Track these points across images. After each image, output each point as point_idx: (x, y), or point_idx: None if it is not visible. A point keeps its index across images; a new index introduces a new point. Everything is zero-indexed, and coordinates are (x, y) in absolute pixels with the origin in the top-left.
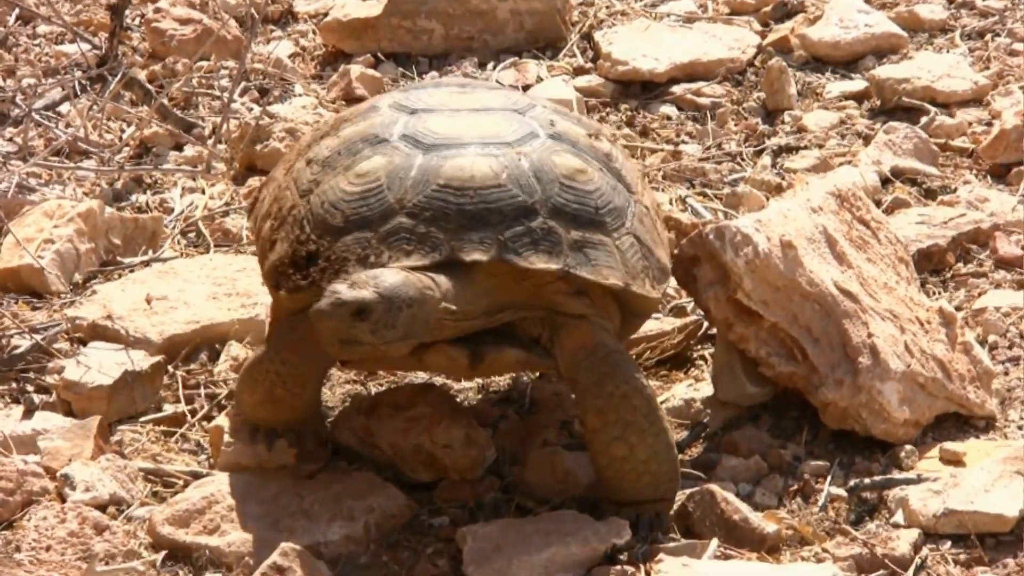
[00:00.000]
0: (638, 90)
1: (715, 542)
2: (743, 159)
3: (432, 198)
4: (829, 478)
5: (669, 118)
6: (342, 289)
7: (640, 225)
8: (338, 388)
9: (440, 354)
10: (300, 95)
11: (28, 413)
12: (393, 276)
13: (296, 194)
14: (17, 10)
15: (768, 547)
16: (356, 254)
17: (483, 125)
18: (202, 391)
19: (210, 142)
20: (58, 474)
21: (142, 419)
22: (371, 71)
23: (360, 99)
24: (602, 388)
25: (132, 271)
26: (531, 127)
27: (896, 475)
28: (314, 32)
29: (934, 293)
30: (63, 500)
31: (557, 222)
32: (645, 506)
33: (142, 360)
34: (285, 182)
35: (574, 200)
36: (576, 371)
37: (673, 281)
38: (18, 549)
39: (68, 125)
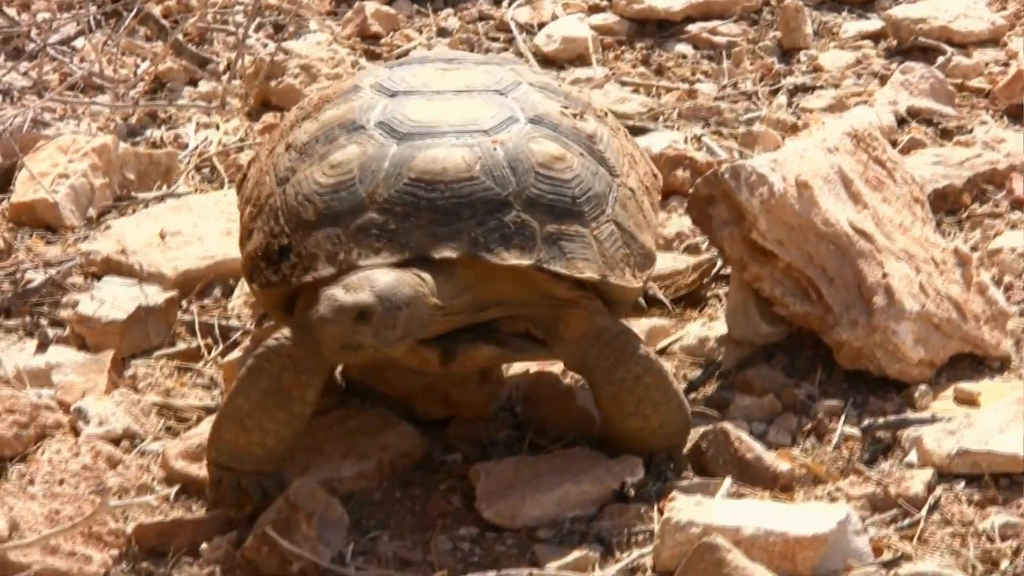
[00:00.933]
0: (654, 28)
1: (728, 480)
2: (758, 98)
3: (403, 192)
4: (843, 417)
5: (684, 57)
6: (339, 294)
7: (622, 211)
8: None
9: (412, 353)
10: (315, 31)
11: (42, 347)
12: (386, 276)
13: (274, 181)
14: None
15: (781, 486)
16: (326, 251)
17: (461, 110)
18: (216, 326)
19: (224, 78)
20: (72, 408)
21: (156, 354)
22: (386, 8)
23: (375, 36)
24: (613, 375)
25: (146, 206)
26: (511, 111)
27: (910, 415)
28: None
29: (949, 233)
30: (76, 434)
31: (532, 215)
32: (657, 451)
33: (156, 295)
34: (267, 165)
35: (550, 190)
36: (584, 360)
37: (688, 220)
38: (32, 482)
39: (83, 60)
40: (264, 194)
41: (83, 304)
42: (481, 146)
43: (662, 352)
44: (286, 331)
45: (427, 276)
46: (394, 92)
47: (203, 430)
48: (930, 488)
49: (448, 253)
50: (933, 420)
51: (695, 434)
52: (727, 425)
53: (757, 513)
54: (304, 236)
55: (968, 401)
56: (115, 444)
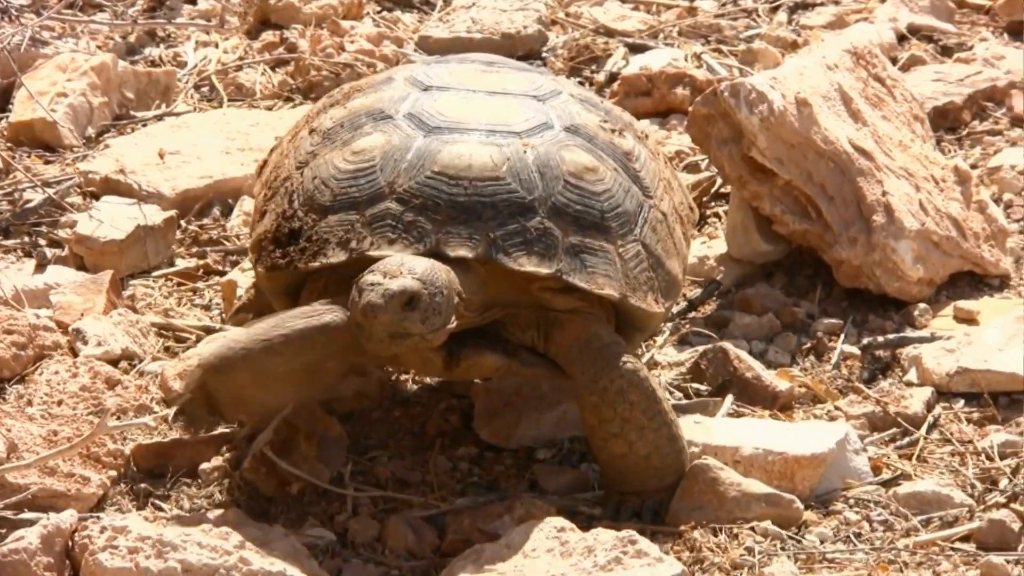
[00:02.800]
0: None
1: (729, 399)
2: (759, 16)
3: (424, 185)
4: (842, 336)
5: None
6: (382, 280)
7: (652, 233)
8: None
9: (415, 354)
10: None
11: (40, 267)
12: (421, 261)
13: (293, 164)
14: None
15: (781, 405)
16: (338, 237)
17: (494, 110)
18: (215, 245)
19: None
20: (70, 328)
21: (154, 274)
22: None
23: None
24: (596, 383)
25: (145, 125)
26: (546, 117)
27: (909, 333)
28: None
29: (949, 151)
30: (75, 354)
31: (556, 223)
32: (649, 496)
33: (155, 214)
34: (287, 149)
35: (578, 201)
36: (570, 366)
37: (688, 138)
38: (30, 403)
39: None
40: (281, 176)
41: (81, 224)
42: (511, 147)
43: None
44: (342, 313)
45: (448, 267)
46: (428, 86)
47: (202, 351)
48: (929, 407)
49: (464, 253)
50: (932, 338)
51: (695, 353)
52: (726, 344)
53: (756, 432)
54: (317, 220)
55: (968, 319)
56: (114, 365)
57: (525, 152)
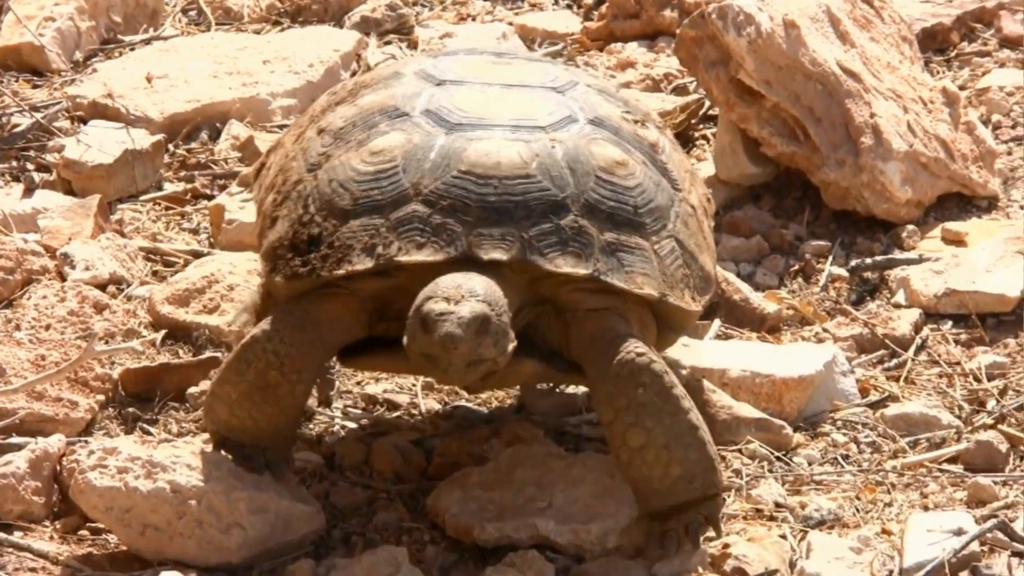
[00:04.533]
0: None
1: (717, 322)
2: None
3: (452, 185)
4: (830, 258)
5: None
6: (451, 308)
7: (684, 228)
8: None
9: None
10: None
11: (28, 191)
12: (478, 281)
13: (304, 167)
14: None
15: (768, 327)
16: (363, 242)
17: (516, 104)
18: (203, 169)
19: None
20: (58, 253)
21: (142, 198)
22: None
23: None
24: (608, 372)
25: (133, 49)
26: (570, 110)
27: (897, 255)
28: None
29: (938, 72)
30: (63, 279)
31: (590, 221)
32: (690, 512)
33: (143, 138)
34: (293, 151)
35: (611, 197)
36: (585, 362)
37: (676, 61)
38: (18, 327)
39: None
40: (292, 180)
41: (69, 148)
42: (539, 143)
43: None
44: (270, 324)
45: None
46: (441, 80)
47: (190, 274)
48: (917, 328)
49: (498, 255)
50: (920, 260)
51: None
52: None
53: (744, 355)
54: (338, 225)
55: (955, 241)
56: (102, 289)
57: (553, 147)
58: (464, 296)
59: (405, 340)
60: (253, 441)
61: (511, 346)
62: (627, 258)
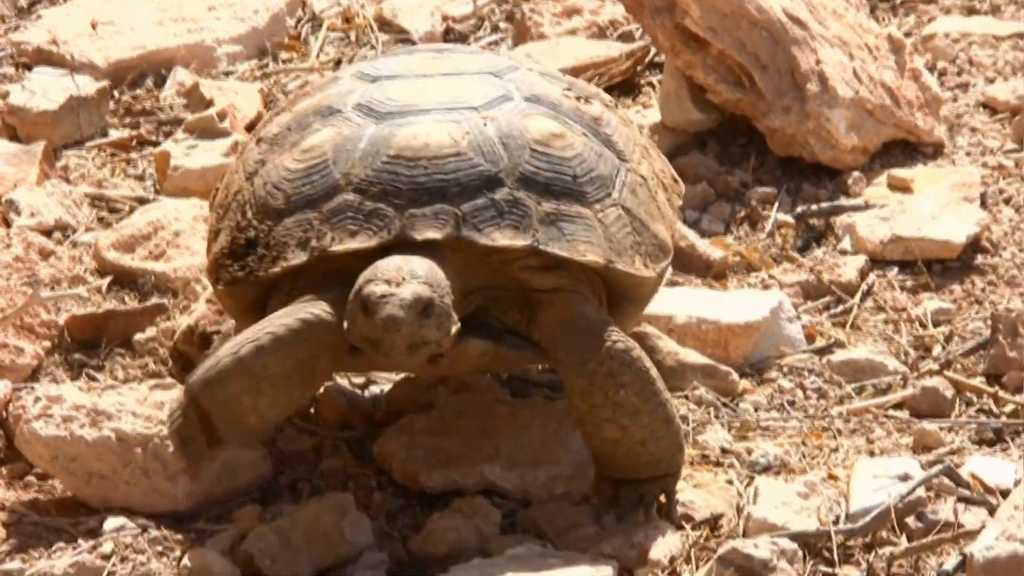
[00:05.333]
0: None
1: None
2: None
3: (381, 171)
4: (776, 204)
5: None
6: (394, 289)
7: (632, 196)
8: None
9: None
10: None
11: None
12: (418, 263)
13: (242, 176)
14: None
15: (715, 273)
16: (296, 238)
17: (449, 89)
18: (149, 116)
19: None
20: (3, 199)
21: (87, 144)
22: None
23: None
24: (584, 366)
25: None
26: (506, 90)
27: (843, 201)
28: None
29: (883, 19)
30: (8, 225)
31: (526, 192)
32: (647, 484)
33: (88, 85)
34: (236, 165)
35: (547, 168)
36: (556, 349)
37: (622, 8)
38: None
39: None
40: (232, 192)
41: (14, 94)
42: (469, 121)
43: None
44: (329, 308)
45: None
46: (376, 78)
47: (135, 220)
48: (863, 275)
49: (432, 234)
50: (866, 207)
51: None
52: None
53: (690, 301)
54: (273, 225)
55: (901, 187)
56: (47, 235)
57: (485, 125)
58: (405, 278)
59: (346, 324)
60: (229, 435)
61: (454, 328)
62: (568, 227)
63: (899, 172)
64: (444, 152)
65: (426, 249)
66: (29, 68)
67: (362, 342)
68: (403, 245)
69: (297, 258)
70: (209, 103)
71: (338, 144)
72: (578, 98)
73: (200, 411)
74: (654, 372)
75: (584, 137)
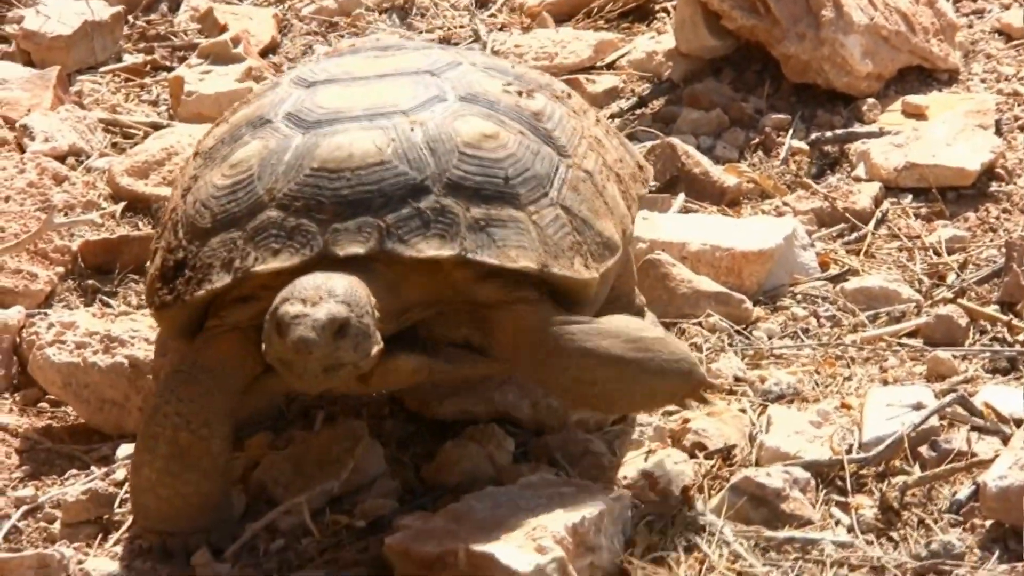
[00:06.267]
0: None
1: (682, 196)
2: None
3: (304, 185)
4: (790, 131)
5: None
6: (307, 310)
7: (572, 194)
8: None
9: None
10: None
11: None
12: (338, 280)
13: (179, 193)
14: None
15: (728, 200)
16: (221, 258)
17: (379, 93)
18: (163, 41)
19: None
20: (17, 124)
21: (102, 69)
22: None
23: None
24: (552, 379)
25: None
26: (439, 89)
27: (858, 128)
28: None
29: None
30: (22, 150)
31: (454, 199)
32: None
33: (102, 10)
34: (177, 180)
35: (477, 171)
36: (519, 366)
37: None
38: None
39: None
40: (168, 209)
41: (29, 19)
42: (397, 128)
43: (611, 65)
44: (163, 388)
45: (354, 277)
46: (311, 83)
47: (149, 146)
48: (877, 202)
49: (355, 249)
50: (881, 133)
51: (643, 149)
52: (674, 140)
53: (704, 228)
54: (200, 246)
55: (916, 114)
56: (61, 161)
57: (412, 130)
58: (322, 297)
59: (263, 345)
60: (192, 526)
61: (375, 349)
62: (499, 232)
63: (914, 99)
64: (368, 162)
65: (354, 264)
66: None
67: (278, 364)
68: (328, 261)
69: (221, 280)
70: (223, 28)
71: (264, 158)
72: (520, 92)
73: (153, 533)
74: (622, 326)
75: (520, 135)
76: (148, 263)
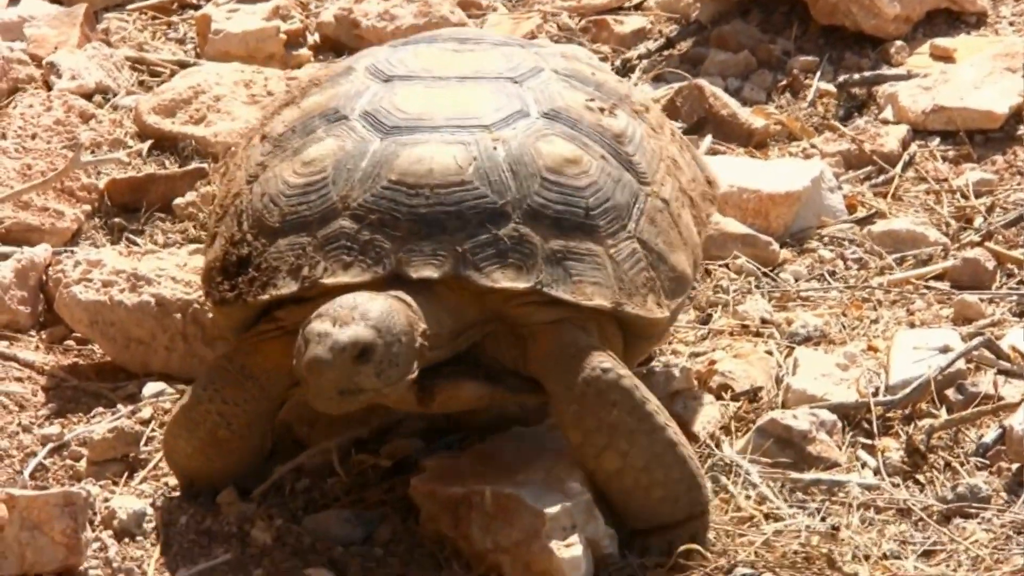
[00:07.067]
0: None
1: (709, 138)
2: None
3: (381, 197)
4: (818, 73)
5: None
6: (331, 329)
7: (650, 226)
8: None
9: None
10: None
11: (14, 0)
12: (376, 303)
13: (244, 178)
14: None
15: (756, 142)
16: (288, 263)
17: (463, 101)
18: None
19: None
20: (44, 62)
21: (129, 7)
22: None
23: None
24: (572, 390)
25: None
26: (522, 102)
27: (886, 71)
28: None
29: None
30: (49, 88)
31: (533, 228)
32: (675, 530)
33: None
34: (242, 158)
35: (558, 200)
36: (546, 380)
37: None
38: (4, 137)
39: None
40: (232, 192)
41: None
42: (479, 144)
43: (638, 6)
44: (208, 383)
45: (409, 299)
46: (389, 77)
47: (176, 84)
48: (905, 145)
49: (429, 273)
50: (908, 76)
51: (670, 91)
52: (702, 81)
53: (732, 170)
54: (267, 245)
55: (944, 57)
56: (88, 98)
57: (495, 148)
58: (354, 319)
59: (294, 360)
60: (221, 481)
61: (405, 377)
62: (576, 267)
63: (942, 41)
64: (448, 180)
65: (419, 287)
66: None
67: (301, 380)
68: (397, 280)
69: (287, 287)
70: None
71: (339, 160)
72: (602, 109)
73: (182, 477)
74: (648, 394)
75: (603, 160)
76: (205, 247)
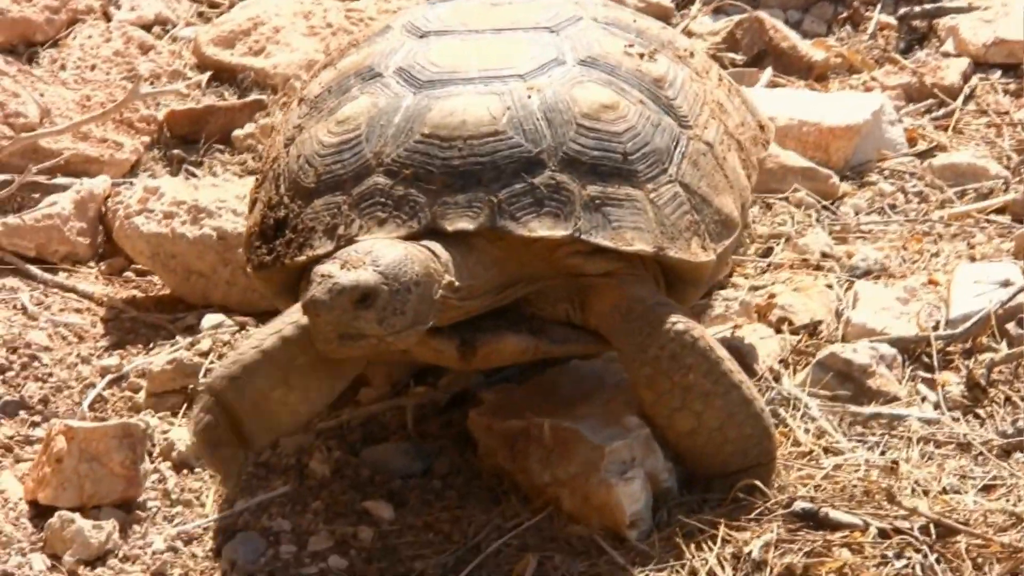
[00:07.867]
0: None
1: (769, 71)
2: None
3: (414, 151)
4: (879, 6)
5: None
6: (335, 272)
7: (692, 169)
8: None
9: (422, 345)
10: None
11: None
12: (391, 250)
13: (282, 142)
14: None
15: (816, 75)
16: (324, 223)
17: (496, 52)
18: None
19: None
20: None
21: None
22: None
23: None
24: (646, 353)
25: None
26: (558, 51)
27: (947, 3)
28: None
29: None
30: (108, 19)
31: (570, 175)
32: (740, 475)
33: None
34: (281, 123)
35: (594, 145)
36: (615, 338)
37: None
38: (63, 68)
39: None
40: (271, 156)
41: None
42: (512, 94)
43: None
44: (270, 341)
45: (441, 250)
46: (424, 32)
47: (235, 16)
48: (965, 77)
49: (464, 225)
50: (970, 8)
51: (730, 23)
52: (762, 13)
53: (791, 102)
54: (303, 206)
55: None
56: (147, 30)
57: (529, 97)
58: (364, 263)
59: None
60: (260, 438)
61: (417, 327)
62: (615, 212)
63: None
64: (482, 131)
65: (455, 239)
66: None
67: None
68: (434, 233)
69: (324, 247)
70: None
71: (372, 117)
72: (641, 55)
73: (227, 410)
74: (722, 352)
75: (641, 105)
76: (247, 212)
